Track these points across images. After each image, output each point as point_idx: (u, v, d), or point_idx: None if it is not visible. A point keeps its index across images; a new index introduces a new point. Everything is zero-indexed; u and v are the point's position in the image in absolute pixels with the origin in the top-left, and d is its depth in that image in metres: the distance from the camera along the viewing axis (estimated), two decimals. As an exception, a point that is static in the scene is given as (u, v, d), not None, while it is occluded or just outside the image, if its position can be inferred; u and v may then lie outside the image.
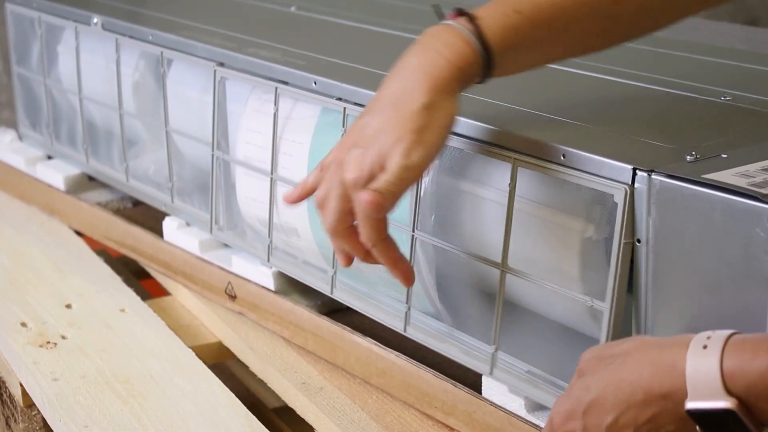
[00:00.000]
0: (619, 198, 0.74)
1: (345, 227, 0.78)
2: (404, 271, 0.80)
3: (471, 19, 0.76)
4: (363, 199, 0.74)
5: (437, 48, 0.75)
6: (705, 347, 0.62)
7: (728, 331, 0.63)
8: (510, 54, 0.77)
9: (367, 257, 0.80)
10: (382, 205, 0.74)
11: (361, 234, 0.77)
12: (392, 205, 0.75)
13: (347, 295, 1.00)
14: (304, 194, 0.83)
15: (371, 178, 0.75)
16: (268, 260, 1.08)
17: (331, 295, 1.02)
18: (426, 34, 0.77)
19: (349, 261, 0.81)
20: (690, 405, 0.62)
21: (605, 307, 0.76)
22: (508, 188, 0.81)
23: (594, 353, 0.69)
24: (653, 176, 0.73)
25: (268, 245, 1.08)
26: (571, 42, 0.78)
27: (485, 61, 0.76)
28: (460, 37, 0.75)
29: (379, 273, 0.89)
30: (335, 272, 1.00)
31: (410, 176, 0.74)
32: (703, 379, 0.62)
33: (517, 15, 0.76)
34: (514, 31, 0.76)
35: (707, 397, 0.62)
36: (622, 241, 0.74)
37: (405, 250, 0.89)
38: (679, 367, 0.63)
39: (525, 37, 0.76)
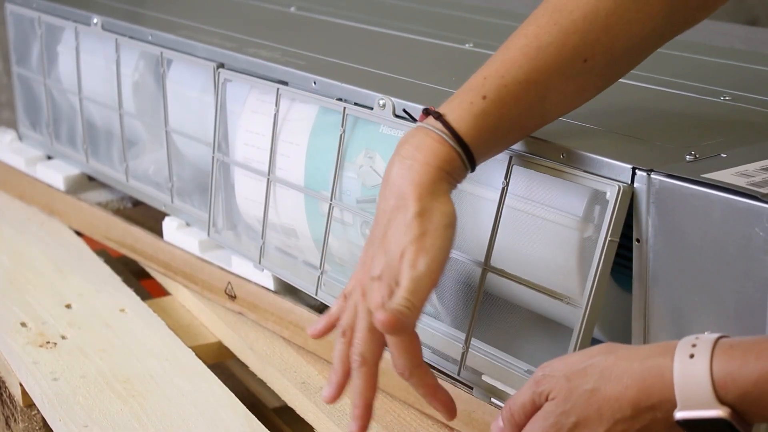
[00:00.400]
0: (611, 195, 0.74)
1: (375, 357, 0.77)
2: (444, 401, 0.78)
3: (439, 116, 0.76)
4: (379, 319, 0.72)
5: (414, 156, 0.75)
6: (692, 356, 0.62)
7: (714, 336, 0.63)
8: (488, 138, 0.77)
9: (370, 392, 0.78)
10: (400, 321, 0.72)
11: (395, 363, 0.76)
12: (414, 318, 0.73)
13: (330, 296, 1.00)
14: (330, 325, 0.83)
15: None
16: (260, 262, 1.08)
17: (315, 296, 1.02)
18: (403, 144, 0.77)
19: (330, 396, 0.80)
20: (680, 414, 0.62)
21: (581, 304, 0.76)
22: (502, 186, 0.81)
23: (558, 371, 0.67)
24: (652, 176, 0.73)
25: (261, 246, 1.08)
26: (548, 109, 0.78)
27: (466, 154, 0.76)
28: (433, 138, 0.76)
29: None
30: (321, 273, 1.00)
31: (423, 285, 0.73)
32: (694, 388, 0.61)
33: (484, 101, 0.76)
34: (484, 117, 0.76)
35: (698, 407, 0.61)
36: (608, 238, 0.74)
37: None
38: (667, 378, 0.63)
39: (499, 119, 0.76)
